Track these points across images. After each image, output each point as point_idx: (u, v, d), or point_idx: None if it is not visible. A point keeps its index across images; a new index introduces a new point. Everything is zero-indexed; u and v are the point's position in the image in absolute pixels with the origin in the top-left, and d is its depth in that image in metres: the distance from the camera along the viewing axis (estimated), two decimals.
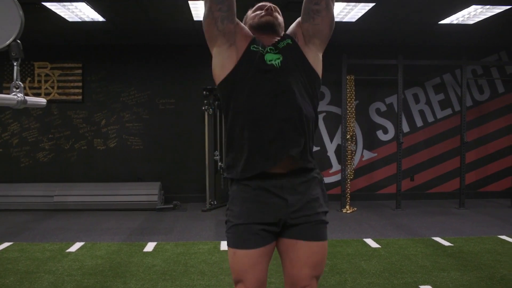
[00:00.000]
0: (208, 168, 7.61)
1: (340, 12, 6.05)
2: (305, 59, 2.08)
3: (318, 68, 2.11)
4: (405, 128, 8.37)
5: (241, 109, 2.02)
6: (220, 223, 6.60)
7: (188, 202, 8.04)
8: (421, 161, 8.55)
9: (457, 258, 4.84)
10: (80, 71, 8.02)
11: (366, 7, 5.81)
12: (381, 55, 7.79)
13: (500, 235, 5.83)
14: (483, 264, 4.63)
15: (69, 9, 5.76)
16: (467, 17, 6.25)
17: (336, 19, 6.29)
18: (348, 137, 7.63)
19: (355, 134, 7.90)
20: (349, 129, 7.65)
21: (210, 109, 7.49)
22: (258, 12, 2.16)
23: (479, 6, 5.76)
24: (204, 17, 2.11)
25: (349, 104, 7.65)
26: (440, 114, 8.56)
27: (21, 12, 1.39)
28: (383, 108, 8.51)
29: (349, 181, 7.66)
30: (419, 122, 8.54)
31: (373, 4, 5.66)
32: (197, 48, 8.10)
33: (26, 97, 1.56)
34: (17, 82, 1.52)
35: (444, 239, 5.59)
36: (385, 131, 8.54)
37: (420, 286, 3.99)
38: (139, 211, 7.45)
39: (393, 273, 4.36)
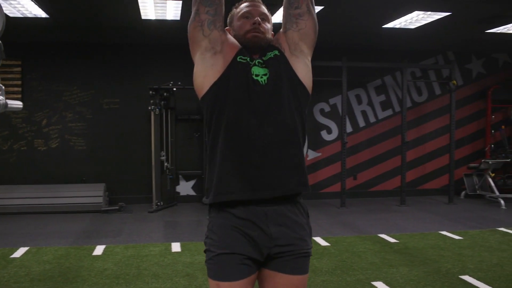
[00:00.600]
0: (155, 168, 7.51)
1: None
2: (292, 73, 1.98)
3: (307, 79, 2.01)
4: (348, 128, 8.58)
5: (224, 128, 1.89)
6: (168, 224, 6.53)
7: (133, 203, 7.91)
8: (363, 161, 8.79)
9: (403, 254, 5.02)
10: (19, 68, 7.70)
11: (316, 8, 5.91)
12: (326, 57, 7.95)
13: (441, 230, 6.09)
14: (428, 259, 4.83)
15: (11, 4, 5.52)
16: (409, 22, 6.49)
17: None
18: None
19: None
20: None
21: (157, 109, 7.39)
22: (244, 22, 2.02)
23: (421, 12, 6.00)
24: (190, 21, 1.99)
25: None
26: (381, 114, 8.83)
27: (3, 12, 1.33)
28: (327, 108, 8.68)
29: None
30: (361, 123, 8.78)
31: (322, 7, 5.76)
32: (144, 47, 7.98)
33: (7, 100, 1.49)
34: None
35: (390, 236, 5.78)
36: (329, 131, 8.73)
37: (372, 283, 4.11)
38: (83, 213, 7.24)
39: (345, 270, 4.47)
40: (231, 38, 2.01)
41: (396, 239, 5.62)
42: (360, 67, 8.22)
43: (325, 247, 5.32)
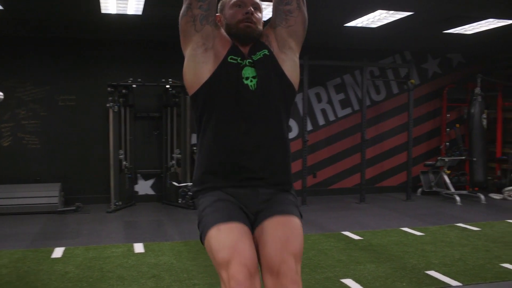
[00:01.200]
0: (113, 167, 7.30)
1: None
2: (281, 73, 2.00)
3: (294, 76, 2.04)
4: (308, 126, 8.60)
5: (214, 129, 1.94)
6: (128, 224, 6.36)
7: (90, 203, 7.66)
8: (322, 159, 8.84)
9: (369, 251, 5.06)
10: None
11: None
12: None
13: (402, 227, 6.18)
14: (393, 255, 4.88)
15: None
16: (372, 21, 6.55)
17: None
18: None
19: None
20: None
21: (115, 106, 7.18)
22: (236, 11, 2.00)
23: (384, 11, 6.06)
24: (181, 15, 1.95)
25: None
26: (340, 113, 8.91)
27: None
28: None
29: None
30: (321, 121, 8.82)
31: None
32: (102, 42, 7.74)
33: None
34: None
35: (353, 233, 5.81)
36: (289, 129, 8.71)
37: (341, 280, 4.11)
38: (38, 215, 6.95)
39: (313, 268, 4.45)
40: (222, 32, 2.00)
41: (360, 236, 5.66)
42: (320, 65, 8.25)
43: None
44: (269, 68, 1.97)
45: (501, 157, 8.98)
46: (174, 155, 7.83)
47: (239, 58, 1.95)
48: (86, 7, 5.89)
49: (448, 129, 9.25)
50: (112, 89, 7.19)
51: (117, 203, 7.30)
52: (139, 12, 6.10)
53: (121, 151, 7.54)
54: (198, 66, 1.94)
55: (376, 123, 8.99)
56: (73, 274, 4.27)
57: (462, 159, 8.68)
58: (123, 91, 7.40)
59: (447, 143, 9.08)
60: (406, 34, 7.48)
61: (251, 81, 1.93)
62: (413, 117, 8.42)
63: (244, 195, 1.94)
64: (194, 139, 8.03)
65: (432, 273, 4.32)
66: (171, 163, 7.87)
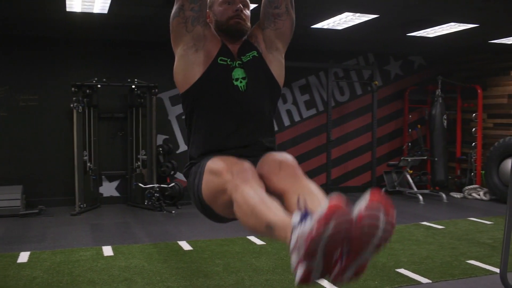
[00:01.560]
0: (77, 169, 7.15)
1: None
2: (269, 74, 2.06)
3: (281, 77, 2.11)
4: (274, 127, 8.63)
5: (204, 128, 1.99)
6: (95, 227, 6.24)
7: (54, 206, 7.46)
8: None
9: None
10: None
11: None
12: None
13: None
14: None
15: None
16: (338, 23, 6.64)
17: None
18: None
19: None
20: None
21: (80, 107, 7.03)
22: (226, 8, 2.03)
23: (351, 13, 6.14)
24: (173, 15, 1.97)
25: None
26: (305, 113, 8.98)
27: None
28: None
29: None
30: (286, 122, 8.87)
31: (256, 5, 5.74)
32: (66, 41, 7.56)
33: None
34: None
35: None
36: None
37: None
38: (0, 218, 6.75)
39: (286, 268, 4.48)
40: (212, 31, 2.04)
41: None
42: (286, 66, 8.27)
43: (261, 246, 5.31)
44: (258, 69, 2.04)
45: (461, 157, 9.25)
46: (140, 156, 7.73)
47: (229, 60, 2.00)
48: (50, 5, 5.75)
49: (410, 130, 9.47)
50: (76, 89, 7.04)
51: (81, 206, 7.14)
52: (105, 11, 5.99)
53: (85, 152, 7.39)
54: (188, 66, 1.98)
55: (340, 124, 9.10)
56: (42, 279, 4.16)
57: (424, 159, 8.90)
58: (87, 91, 7.25)
59: (409, 144, 9.30)
60: (371, 36, 7.61)
61: (240, 82, 1.98)
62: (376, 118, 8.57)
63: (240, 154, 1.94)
64: (160, 140, 7.96)
65: (402, 271, 4.41)
66: (136, 164, 7.76)
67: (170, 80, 8.07)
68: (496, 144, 8.25)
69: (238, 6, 2.02)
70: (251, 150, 1.97)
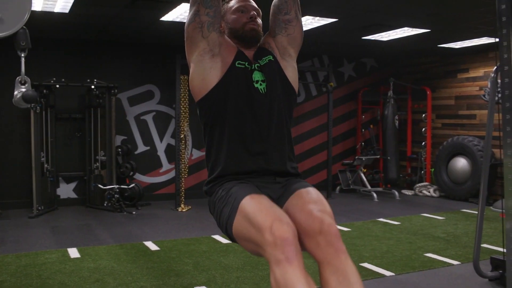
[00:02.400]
0: (35, 170, 7.01)
1: (183, 13, 6.10)
2: (285, 78, 2.10)
3: (295, 81, 2.15)
4: None
5: (228, 132, 2.00)
6: (56, 229, 6.14)
7: (9, 209, 7.27)
8: None
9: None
10: None
11: None
12: None
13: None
14: None
15: None
16: None
17: (177, 19, 6.33)
18: (182, 136, 7.70)
19: (189, 134, 7.97)
20: (182, 129, 7.71)
21: (37, 107, 6.90)
22: (239, 16, 2.09)
23: (311, 17, 6.32)
24: (189, 21, 2.00)
25: (182, 104, 7.71)
26: None
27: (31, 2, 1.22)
28: None
29: (183, 179, 7.73)
30: None
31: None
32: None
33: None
34: (24, 77, 1.30)
35: None
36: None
37: None
38: None
39: (254, 265, 4.59)
40: (227, 39, 2.07)
41: None
42: None
43: (227, 244, 5.40)
44: (275, 72, 2.08)
45: (412, 156, 9.64)
46: (99, 157, 7.65)
47: (246, 63, 2.04)
48: None
49: (363, 130, 9.78)
50: (33, 89, 6.88)
51: (39, 208, 7.01)
52: (66, 11, 5.92)
53: (43, 154, 7.25)
54: (206, 71, 2.01)
55: (296, 124, 9.30)
56: (10, 283, 4.11)
57: (377, 158, 9.23)
58: (45, 91, 7.12)
59: (363, 143, 9.61)
60: (328, 39, 7.83)
61: (260, 84, 2.03)
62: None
63: (263, 185, 1.99)
64: (118, 141, 7.90)
65: (366, 265, 4.62)
66: (95, 165, 7.68)
67: (128, 81, 8.07)
68: (444, 143, 8.67)
69: (252, 13, 2.09)
70: (278, 174, 2.03)
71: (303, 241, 1.82)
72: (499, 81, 2.14)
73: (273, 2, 2.18)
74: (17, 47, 1.35)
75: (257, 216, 1.72)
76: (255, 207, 1.76)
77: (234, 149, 2.01)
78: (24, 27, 1.24)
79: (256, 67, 2.06)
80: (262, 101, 2.02)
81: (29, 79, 1.34)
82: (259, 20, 2.13)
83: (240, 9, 2.12)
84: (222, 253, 5.06)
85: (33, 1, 5.44)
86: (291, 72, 2.15)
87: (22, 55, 1.34)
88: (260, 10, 2.17)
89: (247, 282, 4.13)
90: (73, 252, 5.05)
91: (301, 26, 2.19)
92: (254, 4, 2.17)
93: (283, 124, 2.08)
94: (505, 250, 1.99)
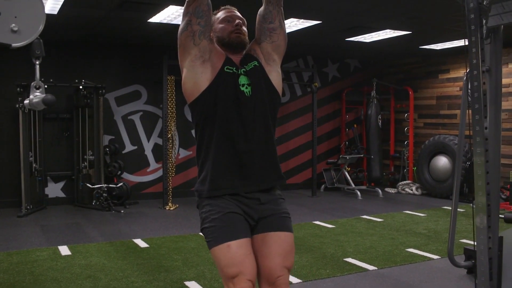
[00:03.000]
0: (23, 170, 7.08)
1: (171, 14, 6.21)
2: (269, 82, 2.26)
3: (279, 85, 2.30)
4: None
5: (216, 135, 2.15)
6: (45, 227, 6.23)
7: None
8: None
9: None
10: None
11: None
12: None
13: (314, 221, 6.65)
14: (312, 246, 5.30)
15: None
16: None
17: (164, 21, 6.44)
18: (169, 136, 7.81)
19: (176, 133, 8.08)
20: (169, 128, 7.83)
21: (26, 107, 6.96)
22: (226, 25, 2.25)
23: (296, 19, 6.48)
24: (181, 30, 2.15)
25: (169, 104, 7.82)
26: None
27: (44, 9, 1.34)
28: None
29: (170, 179, 7.84)
30: None
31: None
32: None
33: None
34: (39, 82, 1.43)
35: None
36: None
37: None
38: None
39: None
40: (217, 47, 2.22)
41: None
42: None
43: None
44: (260, 77, 2.24)
45: (394, 155, 9.85)
46: (86, 157, 7.74)
47: (234, 68, 2.20)
48: None
49: (347, 129, 9.98)
50: (21, 90, 6.98)
51: (28, 207, 7.08)
52: (55, 12, 6.01)
53: (31, 153, 7.32)
54: (197, 75, 2.17)
55: (281, 124, 9.45)
56: (3, 280, 4.20)
57: (360, 156, 9.42)
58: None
59: (346, 142, 9.81)
60: (312, 40, 7.99)
61: (246, 87, 2.19)
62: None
63: (246, 205, 2.17)
64: (105, 140, 7.99)
65: (350, 260, 4.78)
66: (83, 165, 7.76)
67: (115, 81, 8.15)
68: (426, 142, 8.89)
69: (237, 21, 2.25)
70: (261, 194, 2.21)
71: (259, 282, 2.20)
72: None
73: (259, 11, 2.32)
74: (32, 55, 1.49)
75: (227, 268, 2.06)
76: (227, 258, 2.06)
77: (222, 147, 2.16)
78: (38, 37, 1.36)
79: (242, 72, 2.21)
80: (247, 103, 2.17)
81: (43, 84, 1.46)
82: (244, 28, 2.28)
83: (226, 19, 2.28)
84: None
85: None
86: (275, 76, 2.30)
87: (37, 62, 1.47)
88: (244, 20, 2.32)
89: None
90: (64, 250, 5.15)
91: (285, 34, 2.34)
92: (239, 14, 2.33)
93: (267, 124, 2.23)
94: (475, 243, 2.16)
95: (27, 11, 1.31)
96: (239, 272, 2.04)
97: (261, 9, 2.31)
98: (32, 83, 1.51)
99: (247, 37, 2.29)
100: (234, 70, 2.21)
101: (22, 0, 1.31)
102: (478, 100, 2.01)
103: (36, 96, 1.49)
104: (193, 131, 8.78)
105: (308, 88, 9.11)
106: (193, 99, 2.19)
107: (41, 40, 1.43)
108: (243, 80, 2.20)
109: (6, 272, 4.42)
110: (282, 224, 2.22)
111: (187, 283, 4.14)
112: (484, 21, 2.43)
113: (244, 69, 2.23)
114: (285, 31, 2.34)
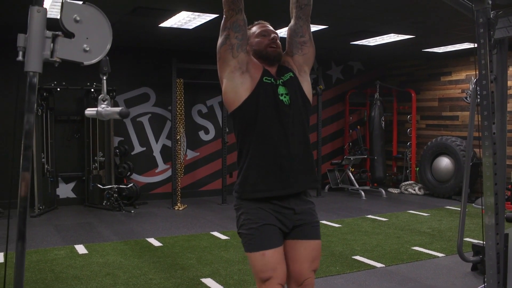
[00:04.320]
0: (36, 171, 7.25)
1: (181, 19, 6.38)
2: (303, 92, 2.43)
3: (310, 94, 2.48)
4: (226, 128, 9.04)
5: (256, 140, 2.32)
6: (59, 227, 6.40)
7: (10, 208, 7.50)
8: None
9: None
10: None
11: (208, 17, 6.24)
12: (204, 61, 8.30)
13: (321, 220, 6.63)
14: (322, 245, 5.45)
15: None
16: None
17: (175, 26, 6.61)
18: (178, 137, 7.99)
19: (184, 135, 8.25)
20: (178, 130, 8.00)
21: (39, 110, 7.14)
22: (262, 39, 2.41)
23: None
24: (220, 44, 2.32)
25: (178, 107, 8.00)
26: None
27: (111, 31, 1.51)
28: (204, 110, 9.06)
29: (179, 179, 8.01)
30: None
31: (216, 15, 6.12)
32: None
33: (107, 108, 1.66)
34: (106, 95, 1.59)
35: None
36: (207, 132, 9.11)
37: None
38: None
39: None
40: (253, 59, 2.39)
41: None
42: None
43: (226, 240, 5.70)
44: (295, 87, 2.42)
45: (397, 155, 10.03)
46: (97, 158, 7.91)
47: (272, 79, 2.38)
48: (14, 8, 5.87)
49: (350, 131, 10.16)
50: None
51: (40, 207, 7.25)
52: None
53: (43, 155, 7.49)
54: (237, 86, 2.33)
55: None
56: (26, 277, 4.36)
57: (364, 157, 9.60)
58: (45, 94, 7.36)
59: (350, 143, 9.99)
60: (318, 44, 8.13)
61: (284, 97, 2.36)
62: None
63: (282, 214, 2.34)
64: (115, 142, 8.16)
65: (358, 257, 4.96)
66: (93, 166, 7.93)
67: (125, 83, 8.32)
68: (429, 143, 9.07)
69: (273, 36, 2.43)
70: (296, 202, 2.38)
71: (288, 282, 2.43)
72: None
73: (290, 25, 2.50)
74: (100, 72, 1.66)
75: (261, 273, 2.29)
76: (262, 264, 2.28)
77: (263, 152, 2.32)
78: (106, 56, 1.53)
79: (280, 83, 2.39)
80: (287, 111, 2.35)
81: (108, 97, 1.64)
82: (279, 42, 2.45)
83: (262, 33, 2.45)
84: (222, 248, 5.36)
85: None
86: (307, 86, 2.49)
87: (104, 78, 1.64)
88: (278, 34, 2.49)
89: (249, 274, 4.44)
90: (81, 249, 5.32)
91: (314, 47, 2.51)
92: (272, 28, 2.51)
93: (305, 130, 2.41)
94: (484, 243, 2.34)
95: (97, 32, 1.47)
96: (271, 277, 2.27)
97: (291, 23, 2.49)
98: (99, 96, 1.68)
99: (281, 50, 2.46)
100: (273, 81, 2.37)
101: (93, 22, 1.48)
102: (487, 107, 2.18)
103: (103, 108, 1.65)
104: (200, 133, 8.98)
105: (313, 90, 9.27)
106: (235, 108, 2.35)
107: (107, 58, 1.60)
108: (281, 90, 2.36)
109: (28, 270, 4.58)
110: (313, 233, 2.42)
111: (203, 280, 4.31)
112: (491, 33, 2.61)
113: (282, 80, 2.39)
114: (313, 44, 2.51)
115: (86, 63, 1.48)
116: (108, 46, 1.52)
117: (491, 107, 2.21)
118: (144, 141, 8.58)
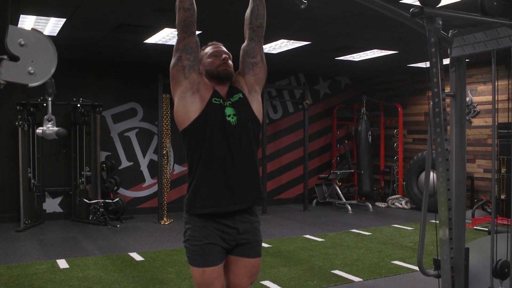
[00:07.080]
0: (22, 186, 7.28)
1: (166, 36, 6.46)
2: (252, 112, 2.51)
3: (260, 113, 2.56)
4: None
5: (204, 159, 2.40)
6: (43, 242, 6.41)
7: None
8: None
9: (279, 256, 5.64)
10: None
11: None
12: None
13: (304, 234, 6.86)
14: (301, 259, 5.50)
15: None
16: (273, 48, 7.24)
17: (159, 42, 6.70)
18: (164, 152, 8.04)
19: (171, 149, 8.30)
20: (164, 145, 8.06)
21: (25, 125, 7.19)
22: (214, 59, 2.49)
23: (286, 40, 6.76)
24: (173, 65, 2.40)
25: (164, 122, 8.05)
26: None
27: (56, 55, 1.57)
28: None
29: (166, 194, 8.05)
30: None
31: (200, 31, 6.21)
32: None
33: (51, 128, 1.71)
34: (51, 115, 1.65)
35: (263, 242, 6.36)
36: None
37: (261, 282, 4.63)
38: None
39: None
40: (205, 79, 2.47)
41: (269, 244, 6.23)
42: None
43: None
44: (244, 108, 2.49)
45: (384, 170, 10.09)
46: (84, 173, 7.94)
47: (221, 100, 2.45)
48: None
49: (338, 145, 10.23)
50: (21, 108, 7.20)
51: (26, 222, 7.26)
52: (54, 34, 6.25)
53: (29, 169, 7.52)
54: (187, 105, 2.41)
55: (274, 140, 9.69)
56: None
57: (351, 172, 9.66)
58: (32, 109, 7.41)
59: (338, 158, 10.05)
60: (302, 60, 8.27)
61: (232, 117, 2.43)
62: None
63: (226, 233, 2.44)
64: (102, 156, 8.20)
65: (337, 272, 4.99)
66: (80, 180, 7.97)
67: (112, 99, 8.36)
68: (415, 157, 9.13)
69: (224, 56, 2.51)
70: (241, 220, 2.48)
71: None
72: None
73: (243, 46, 2.58)
74: (45, 93, 1.73)
75: (199, 285, 2.43)
76: (201, 279, 2.41)
77: (210, 170, 2.41)
78: (51, 78, 1.60)
79: (228, 104, 2.46)
80: (233, 131, 2.43)
81: (54, 117, 1.70)
82: (230, 62, 2.53)
83: (214, 54, 2.53)
84: None
85: (24, 25, 5.81)
86: (256, 105, 2.56)
87: (49, 99, 1.70)
88: (230, 54, 2.57)
89: None
90: (62, 263, 5.34)
91: (265, 67, 2.60)
92: (225, 49, 2.59)
93: (251, 149, 2.49)
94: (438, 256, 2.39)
95: (41, 55, 1.54)
96: None
97: (244, 44, 2.56)
98: (45, 116, 1.75)
99: (233, 69, 2.54)
100: (221, 102, 2.45)
101: (38, 47, 1.54)
102: (439, 124, 2.24)
103: (49, 128, 1.71)
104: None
105: (300, 105, 9.37)
106: (184, 127, 2.43)
107: (53, 80, 1.66)
108: (229, 111, 2.44)
109: (7, 285, 4.60)
110: (254, 252, 2.53)
111: None
112: (449, 51, 2.69)
113: (230, 102, 2.47)
114: (265, 64, 2.59)
115: (30, 85, 1.54)
116: (53, 70, 1.58)
117: (444, 124, 2.27)
118: (131, 155, 8.63)
